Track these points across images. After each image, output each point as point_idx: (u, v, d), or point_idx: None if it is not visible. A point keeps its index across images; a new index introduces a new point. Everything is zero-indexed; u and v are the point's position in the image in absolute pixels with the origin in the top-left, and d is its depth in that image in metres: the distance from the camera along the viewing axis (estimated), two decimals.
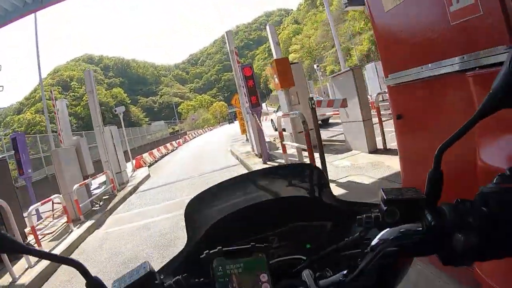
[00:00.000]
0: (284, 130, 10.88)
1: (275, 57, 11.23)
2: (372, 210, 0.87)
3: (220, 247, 0.90)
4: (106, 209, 10.69)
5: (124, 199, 12.49)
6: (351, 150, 9.83)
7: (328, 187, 1.30)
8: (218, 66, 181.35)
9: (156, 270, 0.91)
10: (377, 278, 0.93)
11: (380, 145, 9.03)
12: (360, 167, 7.77)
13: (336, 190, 6.22)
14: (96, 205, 11.50)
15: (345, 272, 0.88)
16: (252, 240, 1.10)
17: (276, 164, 10.05)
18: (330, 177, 7.21)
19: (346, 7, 11.95)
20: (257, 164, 11.40)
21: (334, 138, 13.12)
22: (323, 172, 1.34)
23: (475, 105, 2.11)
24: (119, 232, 8.21)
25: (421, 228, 0.76)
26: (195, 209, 1.25)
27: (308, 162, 6.60)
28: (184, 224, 1.19)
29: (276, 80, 10.02)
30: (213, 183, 1.28)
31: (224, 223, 1.25)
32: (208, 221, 1.25)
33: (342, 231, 1.14)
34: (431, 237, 0.75)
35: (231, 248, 0.90)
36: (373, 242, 0.81)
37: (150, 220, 8.48)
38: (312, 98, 6.46)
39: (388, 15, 3.21)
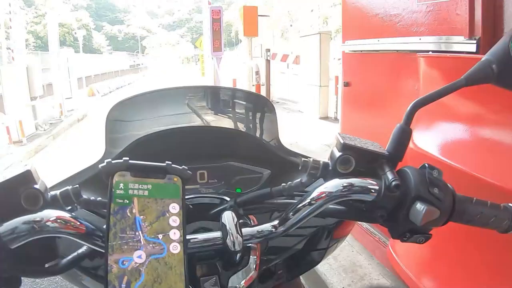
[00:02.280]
0: None
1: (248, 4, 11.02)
2: (303, 159, 0.74)
3: (127, 159, 0.67)
4: (50, 134, 10.33)
5: (70, 125, 12.08)
6: (303, 112, 9.91)
7: (276, 131, 1.15)
8: (192, 6, 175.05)
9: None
10: (310, 238, 0.89)
11: (331, 114, 9.15)
12: (306, 129, 7.86)
13: None
14: (41, 129, 11.04)
15: (275, 223, 0.73)
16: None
17: None
18: None
19: None
20: None
21: (289, 98, 13.19)
22: (275, 112, 1.17)
23: (419, 86, 2.15)
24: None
25: (377, 187, 0.66)
26: (119, 117, 1.09)
27: None
28: (104, 136, 1.03)
29: (241, 26, 9.88)
30: None
31: (148, 142, 1.05)
32: (131, 135, 1.08)
33: (279, 183, 0.95)
34: (388, 200, 0.66)
35: (140, 162, 0.68)
36: (316, 192, 0.69)
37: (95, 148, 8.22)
38: (268, 49, 6.38)
39: None
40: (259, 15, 10.42)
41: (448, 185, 0.66)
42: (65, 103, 13.55)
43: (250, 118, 1.25)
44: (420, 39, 2.46)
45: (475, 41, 2.11)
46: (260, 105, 1.23)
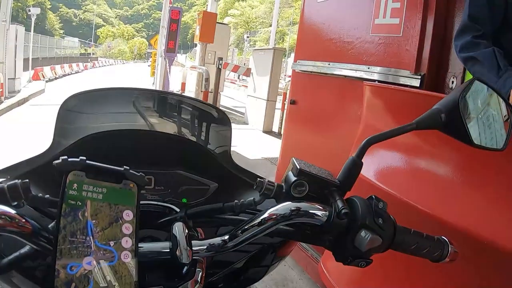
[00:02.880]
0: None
1: (209, 10, 11.01)
2: (258, 179, 0.76)
3: (84, 158, 0.63)
4: None
5: (10, 108, 11.34)
6: (248, 124, 9.97)
7: (229, 144, 1.16)
8: (153, 2, 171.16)
9: None
10: (255, 254, 0.90)
11: (275, 128, 9.27)
12: (249, 142, 7.90)
13: None
14: None
15: (225, 238, 0.73)
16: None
17: None
18: None
19: None
20: None
21: (236, 109, 13.23)
22: (230, 125, 1.18)
23: (362, 112, 2.24)
24: None
25: (327, 212, 0.70)
26: (73, 109, 1.04)
27: None
28: (54, 125, 0.98)
29: (198, 31, 9.80)
30: None
31: (98, 139, 1.03)
32: (81, 130, 1.04)
33: (225, 198, 0.97)
34: (335, 226, 0.70)
35: (97, 164, 0.64)
36: (267, 213, 0.71)
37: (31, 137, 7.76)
38: (221, 58, 6.40)
39: (318, 5, 3.26)
40: (217, 23, 10.44)
41: (391, 216, 0.71)
42: (7, 84, 12.78)
43: (204, 129, 1.24)
44: (368, 68, 2.56)
45: (419, 77, 2.25)
46: (217, 119, 1.21)
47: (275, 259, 0.93)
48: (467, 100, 0.80)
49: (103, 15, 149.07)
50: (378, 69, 2.52)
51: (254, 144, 7.64)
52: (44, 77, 20.93)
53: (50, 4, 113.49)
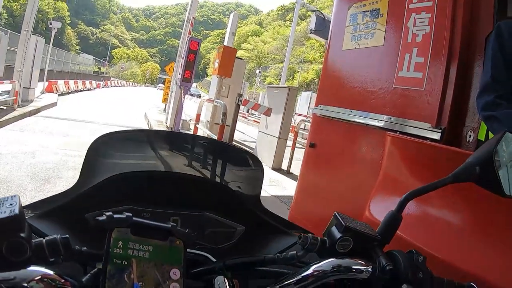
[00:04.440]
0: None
1: (226, 44, 11.18)
2: (302, 234, 0.76)
3: (130, 215, 0.61)
4: (1, 120, 9.75)
5: (22, 116, 11.47)
6: None
7: (259, 189, 1.17)
8: (169, 29, 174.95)
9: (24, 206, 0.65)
10: None
11: (284, 166, 9.27)
12: None
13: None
14: None
15: None
16: (157, 214, 0.94)
17: None
18: None
19: (310, 33, 12.19)
20: None
21: (246, 143, 13.28)
22: (263, 169, 1.20)
23: (382, 162, 2.28)
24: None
25: (370, 269, 0.72)
26: (102, 148, 1.05)
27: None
28: (82, 164, 0.97)
29: (216, 65, 9.96)
30: None
31: (125, 179, 1.01)
32: (109, 168, 1.04)
33: (253, 241, 1.03)
34: (378, 281, 0.71)
35: (144, 221, 0.63)
36: (313, 268, 0.72)
37: (38, 149, 7.88)
38: (241, 94, 6.51)
39: (342, 53, 3.33)
40: (236, 57, 10.63)
41: (429, 269, 0.74)
42: (22, 92, 12.93)
43: (235, 173, 1.26)
44: (390, 118, 2.61)
45: (440, 130, 2.29)
46: (250, 163, 1.23)
47: None
48: (499, 152, 0.84)
49: (120, 37, 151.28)
50: (400, 120, 2.57)
51: (264, 181, 7.64)
52: (57, 90, 21.31)
53: (69, 20, 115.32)
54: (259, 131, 10.47)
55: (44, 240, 0.58)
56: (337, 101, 3.26)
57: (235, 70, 10.21)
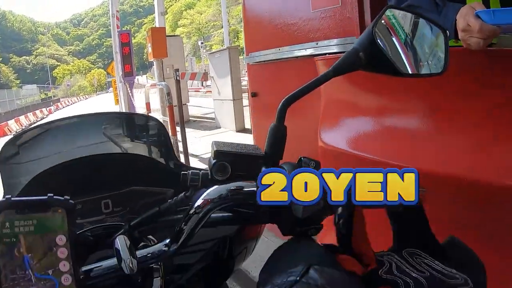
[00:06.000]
0: None
1: (157, 25, 10.87)
2: (182, 172, 0.76)
3: (9, 196, 0.63)
4: None
5: None
6: (220, 128, 9.93)
7: (171, 148, 1.14)
8: (102, 30, 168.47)
9: None
10: (216, 250, 0.87)
11: (248, 125, 9.27)
12: None
13: (198, 165, 6.22)
14: None
15: (167, 241, 0.72)
16: (87, 202, 0.94)
17: None
18: (194, 152, 7.22)
19: None
20: None
21: (207, 116, 13.17)
22: (166, 130, 1.17)
23: (321, 88, 2.26)
24: None
25: (255, 188, 0.64)
26: (13, 156, 1.03)
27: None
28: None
29: (150, 49, 9.73)
30: None
31: (46, 177, 0.99)
32: (27, 172, 1.02)
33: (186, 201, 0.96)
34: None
35: (21, 198, 0.64)
36: (197, 203, 0.69)
37: None
38: (177, 69, 6.31)
39: None
40: (167, 36, 10.34)
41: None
42: None
43: (144, 140, 1.22)
44: (317, 43, 2.60)
45: None
46: (151, 126, 1.20)
47: (235, 251, 0.91)
48: (384, 31, 0.76)
49: (56, 55, 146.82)
50: (325, 42, 2.56)
51: None
52: (10, 132, 20.69)
53: (0, 57, 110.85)
54: (214, 100, 10.42)
55: None
56: (264, 44, 3.24)
57: (171, 48, 10.02)
